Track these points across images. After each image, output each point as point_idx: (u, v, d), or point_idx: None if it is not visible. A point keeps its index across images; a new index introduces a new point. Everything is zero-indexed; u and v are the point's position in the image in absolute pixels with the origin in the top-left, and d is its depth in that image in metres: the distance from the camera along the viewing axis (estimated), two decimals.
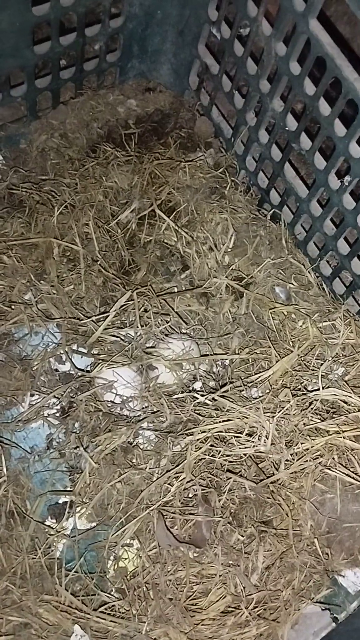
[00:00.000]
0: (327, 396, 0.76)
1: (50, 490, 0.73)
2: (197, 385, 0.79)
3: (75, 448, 0.73)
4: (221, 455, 0.72)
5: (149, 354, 0.78)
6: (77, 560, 0.69)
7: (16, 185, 0.89)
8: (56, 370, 0.78)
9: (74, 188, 0.88)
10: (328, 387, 0.77)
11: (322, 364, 0.79)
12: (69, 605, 0.67)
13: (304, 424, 0.74)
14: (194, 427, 0.73)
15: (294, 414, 0.74)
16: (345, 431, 0.73)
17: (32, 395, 0.76)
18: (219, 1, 0.89)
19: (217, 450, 0.72)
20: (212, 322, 0.83)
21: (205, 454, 0.71)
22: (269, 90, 0.84)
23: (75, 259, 0.83)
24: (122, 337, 0.79)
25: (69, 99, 0.99)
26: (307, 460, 0.72)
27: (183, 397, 0.76)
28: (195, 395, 0.76)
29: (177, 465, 0.71)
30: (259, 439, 0.72)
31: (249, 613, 0.67)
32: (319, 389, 0.76)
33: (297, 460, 0.72)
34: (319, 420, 0.74)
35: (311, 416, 0.74)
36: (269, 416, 0.73)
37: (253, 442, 0.72)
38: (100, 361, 0.77)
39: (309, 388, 0.78)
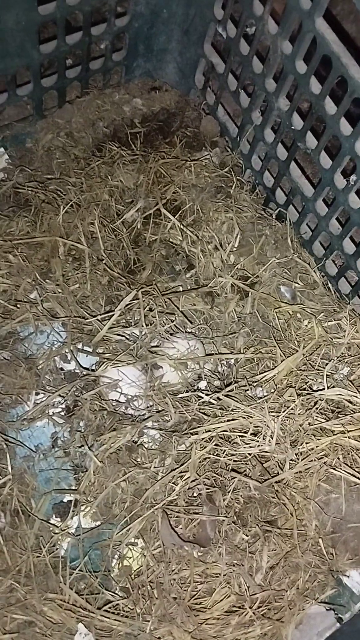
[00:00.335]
0: (332, 396, 0.76)
1: (55, 488, 0.73)
2: (202, 384, 0.79)
3: (80, 447, 0.73)
4: (226, 454, 0.72)
5: (154, 353, 0.78)
6: (81, 558, 0.69)
7: (22, 184, 0.89)
8: (61, 369, 0.78)
9: (80, 187, 0.89)
10: (333, 387, 0.77)
11: (327, 364, 0.79)
12: (73, 603, 0.67)
13: (309, 423, 0.74)
14: (199, 427, 0.73)
15: (299, 414, 0.74)
16: (350, 431, 0.73)
17: (37, 393, 0.76)
18: (224, 0, 0.88)
19: (221, 450, 0.72)
20: (217, 322, 0.83)
21: (210, 453, 0.71)
22: (275, 89, 0.84)
23: (81, 258, 0.83)
24: (127, 336, 0.79)
25: (75, 98, 0.99)
26: (312, 460, 0.72)
27: (188, 396, 0.76)
28: (200, 394, 0.76)
29: (182, 465, 0.71)
30: (263, 439, 0.72)
31: (253, 613, 0.67)
32: (324, 389, 0.76)
33: (302, 460, 0.72)
34: (324, 420, 0.74)
35: (316, 416, 0.74)
36: (273, 416, 0.73)
37: (258, 441, 0.72)
38: (105, 360, 0.77)
39: (314, 388, 0.78)
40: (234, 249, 0.87)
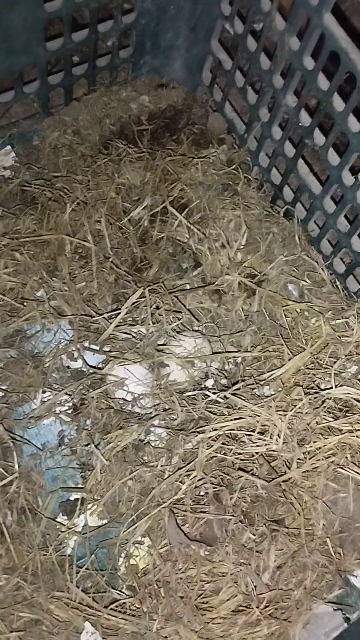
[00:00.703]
0: (340, 394, 0.76)
1: (62, 487, 0.73)
2: (209, 382, 0.79)
3: (86, 445, 0.73)
4: (233, 453, 0.71)
5: (161, 352, 0.77)
6: (88, 557, 0.69)
7: (29, 182, 0.89)
8: (68, 367, 0.78)
9: (86, 185, 0.88)
10: (341, 386, 0.76)
11: (335, 362, 0.78)
12: (80, 602, 0.67)
13: (317, 422, 0.73)
14: (206, 425, 0.72)
15: (306, 413, 0.74)
16: (358, 430, 0.73)
17: (44, 392, 0.76)
18: None
19: (228, 449, 0.71)
20: (224, 320, 0.82)
21: (217, 452, 0.71)
22: (283, 85, 0.83)
23: (87, 256, 0.83)
24: (134, 335, 0.78)
25: (82, 96, 0.98)
26: (319, 459, 0.71)
27: (195, 394, 0.76)
28: (207, 393, 0.76)
29: (189, 463, 0.70)
30: (271, 438, 0.72)
31: (260, 612, 0.67)
32: (331, 387, 0.76)
33: (309, 459, 0.71)
34: (332, 419, 0.74)
35: (324, 415, 0.74)
36: (281, 414, 0.73)
37: (265, 440, 0.72)
38: (112, 358, 0.77)
39: (322, 386, 0.77)
40: (241, 247, 0.87)
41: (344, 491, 0.72)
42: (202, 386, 0.78)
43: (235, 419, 0.72)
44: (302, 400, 0.74)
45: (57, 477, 0.74)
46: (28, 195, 0.88)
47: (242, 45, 0.88)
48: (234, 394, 0.75)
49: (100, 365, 0.78)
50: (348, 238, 0.83)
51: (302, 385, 0.76)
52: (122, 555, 0.70)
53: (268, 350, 0.80)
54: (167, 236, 0.87)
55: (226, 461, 0.71)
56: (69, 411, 0.76)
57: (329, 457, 0.72)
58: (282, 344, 0.79)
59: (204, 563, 0.68)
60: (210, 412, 0.74)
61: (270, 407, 0.73)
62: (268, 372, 0.78)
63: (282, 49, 0.80)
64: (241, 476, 0.71)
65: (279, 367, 0.78)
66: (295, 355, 0.78)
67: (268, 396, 0.76)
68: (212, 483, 0.70)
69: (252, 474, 0.71)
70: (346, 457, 0.72)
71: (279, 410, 0.73)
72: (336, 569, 0.71)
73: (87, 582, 0.69)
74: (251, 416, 0.73)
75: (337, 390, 0.75)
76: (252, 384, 0.77)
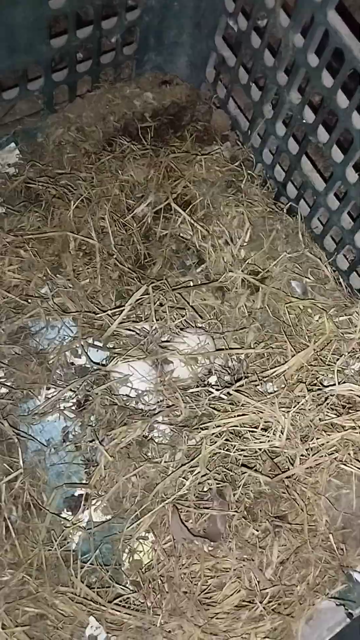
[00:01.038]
0: (343, 391, 0.76)
1: (66, 482, 0.73)
2: (212, 379, 0.79)
3: (91, 441, 0.74)
4: (236, 449, 0.72)
5: (164, 348, 0.78)
6: (92, 552, 0.70)
7: (33, 179, 0.89)
8: (72, 363, 0.79)
9: (90, 182, 0.89)
10: (344, 382, 0.76)
11: (338, 359, 0.78)
12: (85, 597, 0.67)
13: (320, 419, 0.73)
14: (209, 422, 0.73)
15: (309, 409, 0.74)
16: None
17: (48, 388, 0.76)
18: None
19: (232, 445, 0.72)
20: (227, 316, 0.83)
21: (220, 448, 0.71)
22: (287, 82, 0.83)
23: (91, 253, 0.83)
24: (138, 331, 0.79)
25: (86, 92, 0.99)
26: (322, 456, 0.72)
27: (198, 391, 0.76)
28: (210, 389, 0.76)
29: (192, 459, 0.71)
30: (274, 434, 0.72)
31: (264, 607, 0.67)
32: (334, 384, 0.76)
33: (312, 456, 0.71)
34: (335, 416, 0.74)
35: (327, 411, 0.74)
36: (284, 411, 0.73)
37: (268, 436, 0.72)
38: (116, 355, 0.77)
39: (325, 383, 0.77)
40: (245, 244, 0.87)
41: (347, 487, 0.72)
42: (206, 383, 0.78)
43: (239, 416, 0.73)
44: (305, 397, 0.74)
45: (62, 473, 0.74)
46: (32, 192, 0.89)
47: (246, 42, 0.88)
48: (237, 391, 0.75)
49: (104, 362, 0.78)
50: (351, 235, 0.83)
51: (305, 382, 0.76)
52: (126, 550, 0.71)
53: (271, 347, 0.80)
54: (170, 233, 0.87)
55: (229, 457, 0.72)
56: (73, 407, 0.76)
57: (332, 453, 0.72)
58: (285, 341, 0.79)
59: (208, 558, 0.69)
60: (213, 408, 0.74)
61: (274, 403, 0.73)
62: (271, 368, 0.78)
63: (286, 45, 0.80)
64: (244, 472, 0.71)
65: (282, 364, 0.78)
66: (299, 352, 0.78)
67: (271, 393, 0.76)
68: (215, 479, 0.70)
69: (256, 470, 0.71)
70: (349, 454, 0.72)
71: (282, 407, 0.73)
72: (339, 565, 0.71)
73: (91, 577, 0.69)
74: (254, 413, 0.73)
75: (340, 387, 0.76)
76: (256, 380, 0.77)
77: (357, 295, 0.86)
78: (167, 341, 0.79)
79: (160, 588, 0.68)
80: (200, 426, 0.73)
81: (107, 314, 0.79)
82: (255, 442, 0.72)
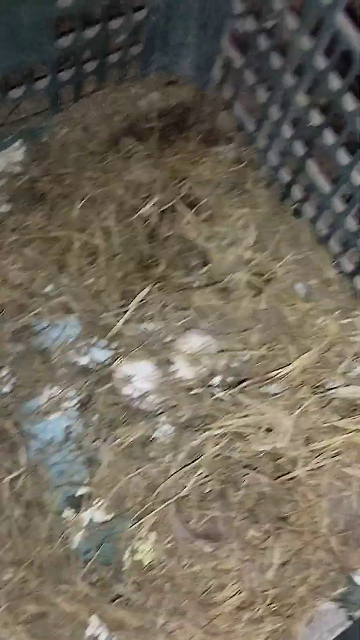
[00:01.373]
0: (346, 394, 0.76)
1: (68, 481, 0.73)
2: (216, 380, 0.79)
3: (93, 441, 0.74)
4: (239, 451, 0.72)
5: (168, 349, 0.78)
6: (94, 551, 0.70)
7: (38, 178, 0.89)
8: (75, 363, 0.79)
9: (95, 181, 0.88)
10: (348, 385, 0.76)
11: (342, 362, 0.78)
12: (86, 596, 0.67)
13: (323, 421, 0.73)
14: (212, 422, 0.73)
15: (312, 412, 0.74)
16: None
17: (51, 387, 0.77)
18: None
19: (234, 446, 0.72)
20: (231, 318, 0.82)
21: (223, 450, 0.71)
22: (293, 84, 0.83)
23: (96, 253, 0.83)
24: (141, 331, 0.79)
25: (91, 92, 0.98)
26: (325, 458, 0.72)
27: (201, 392, 0.76)
28: (213, 390, 0.76)
29: (195, 460, 0.71)
30: (277, 436, 0.72)
31: (264, 609, 0.67)
32: (338, 387, 0.76)
33: (315, 458, 0.71)
34: (338, 418, 0.74)
35: (330, 414, 0.74)
36: (287, 413, 0.73)
37: (271, 438, 0.72)
38: (119, 355, 0.77)
39: (328, 386, 0.77)
40: (249, 245, 0.87)
41: (349, 490, 0.72)
42: (209, 384, 0.78)
43: (242, 417, 0.73)
44: (308, 399, 0.74)
45: (64, 472, 0.74)
46: (37, 191, 0.89)
47: (253, 44, 0.88)
48: (240, 392, 0.75)
49: (107, 362, 0.78)
50: (356, 238, 0.83)
51: (308, 384, 0.76)
52: (128, 550, 0.70)
53: (275, 349, 0.80)
54: (175, 234, 0.87)
55: (232, 459, 0.72)
56: (76, 407, 0.76)
57: (335, 456, 0.72)
58: (289, 343, 0.79)
59: (209, 559, 0.69)
60: (216, 409, 0.74)
61: (277, 405, 0.73)
62: (274, 370, 0.78)
63: (294, 48, 0.80)
64: (247, 474, 0.71)
65: (286, 366, 0.78)
66: (302, 354, 0.78)
67: (274, 395, 0.76)
68: (217, 480, 0.70)
69: (258, 472, 0.71)
70: (352, 457, 0.72)
71: (285, 409, 0.73)
72: (340, 567, 0.71)
73: (92, 576, 0.69)
74: (257, 414, 0.73)
75: (344, 390, 0.76)
76: (259, 382, 0.77)
77: None
78: (170, 341, 0.79)
79: (161, 588, 0.68)
80: (203, 427, 0.73)
81: (111, 314, 0.79)
82: (257, 444, 0.72)
